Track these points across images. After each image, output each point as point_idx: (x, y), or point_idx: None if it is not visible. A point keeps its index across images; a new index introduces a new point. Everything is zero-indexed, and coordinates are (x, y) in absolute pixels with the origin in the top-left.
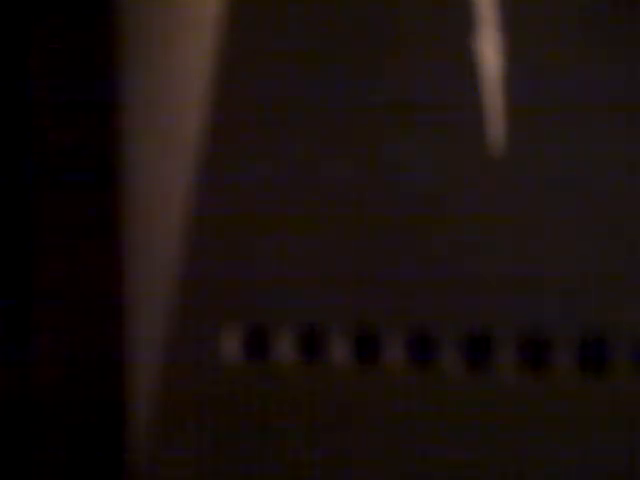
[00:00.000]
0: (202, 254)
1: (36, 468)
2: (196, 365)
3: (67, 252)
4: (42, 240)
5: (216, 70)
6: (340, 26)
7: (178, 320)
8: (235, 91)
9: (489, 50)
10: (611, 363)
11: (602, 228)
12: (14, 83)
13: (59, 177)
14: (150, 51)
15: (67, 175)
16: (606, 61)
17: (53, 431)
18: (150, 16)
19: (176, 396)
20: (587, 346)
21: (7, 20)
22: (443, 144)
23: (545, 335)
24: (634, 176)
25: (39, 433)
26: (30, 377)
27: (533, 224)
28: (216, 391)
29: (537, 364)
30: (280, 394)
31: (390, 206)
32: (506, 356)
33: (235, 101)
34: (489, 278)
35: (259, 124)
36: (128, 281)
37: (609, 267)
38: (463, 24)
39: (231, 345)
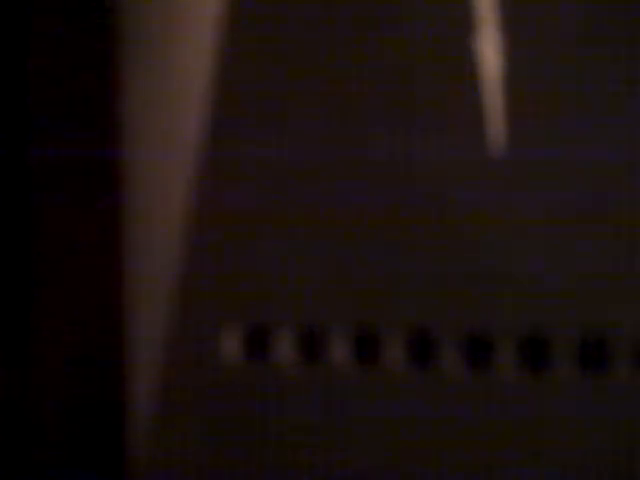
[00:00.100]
0: (202, 254)
1: (36, 468)
2: (196, 365)
3: (67, 252)
4: (42, 241)
5: (216, 70)
6: (340, 26)
7: (178, 320)
8: (235, 91)
9: (489, 50)
10: (611, 363)
11: (602, 228)
12: (14, 83)
13: (59, 180)
14: (150, 51)
15: (67, 177)
16: (606, 61)
17: (53, 431)
18: (150, 16)
19: (176, 396)
20: (587, 346)
21: (7, 20)
22: (443, 144)
23: (545, 335)
24: (634, 176)
25: (39, 433)
26: (30, 377)
27: (533, 224)
28: (216, 391)
29: (537, 364)
30: (280, 394)
31: (390, 206)
32: (506, 356)
33: (235, 101)
34: (489, 278)
35: (259, 124)
36: (128, 281)
37: (609, 267)
38: (463, 24)
39: (231, 345)
